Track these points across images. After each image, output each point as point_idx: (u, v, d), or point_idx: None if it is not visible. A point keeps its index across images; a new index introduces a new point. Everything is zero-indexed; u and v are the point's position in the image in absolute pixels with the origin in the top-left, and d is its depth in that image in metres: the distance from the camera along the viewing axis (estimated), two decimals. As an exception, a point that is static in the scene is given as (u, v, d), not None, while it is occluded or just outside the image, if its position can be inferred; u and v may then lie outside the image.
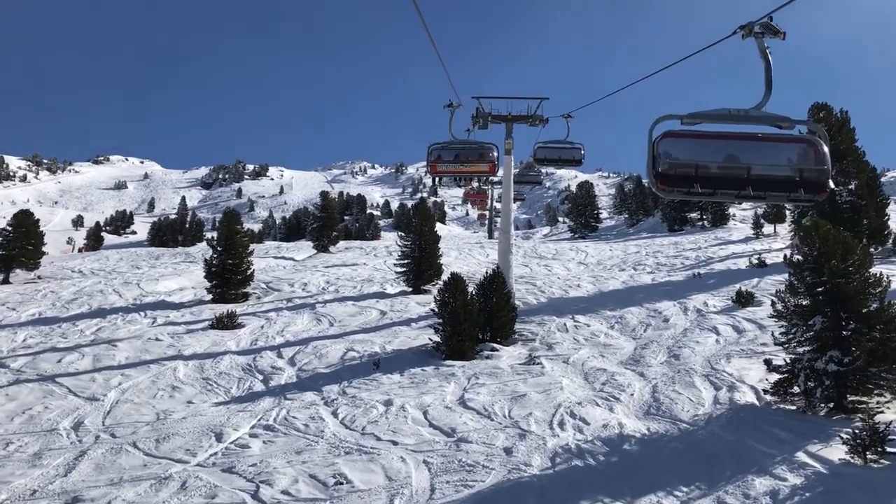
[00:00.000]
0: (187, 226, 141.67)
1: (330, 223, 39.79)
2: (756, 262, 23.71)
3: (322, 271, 28.80)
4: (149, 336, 17.47)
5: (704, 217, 45.57)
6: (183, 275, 28.62)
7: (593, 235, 52.72)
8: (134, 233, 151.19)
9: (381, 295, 22.55)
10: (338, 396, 12.67)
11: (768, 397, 11.51)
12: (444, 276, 24.65)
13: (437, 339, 15.31)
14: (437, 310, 15.49)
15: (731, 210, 46.06)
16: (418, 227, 22.72)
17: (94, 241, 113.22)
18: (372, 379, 13.71)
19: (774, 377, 11.55)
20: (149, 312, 21.49)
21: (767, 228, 37.86)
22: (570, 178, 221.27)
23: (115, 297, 24.29)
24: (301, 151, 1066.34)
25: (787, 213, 39.34)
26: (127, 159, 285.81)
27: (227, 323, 17.99)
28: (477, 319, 15.59)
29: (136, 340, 17.07)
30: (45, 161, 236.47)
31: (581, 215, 54.72)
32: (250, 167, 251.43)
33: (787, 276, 11.31)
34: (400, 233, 23.46)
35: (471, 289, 16.22)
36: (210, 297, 23.26)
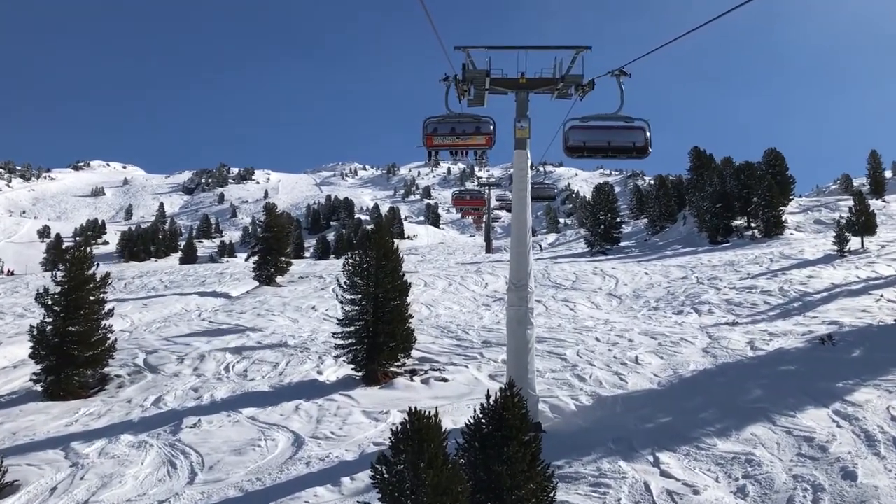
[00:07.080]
0: (161, 236, 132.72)
1: (277, 246, 30.42)
2: (912, 313, 14.98)
3: (238, 335, 19.60)
4: None
5: (754, 225, 36.77)
6: (43, 333, 19.68)
7: (614, 249, 43.44)
8: (106, 243, 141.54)
9: (311, 388, 13.49)
10: None
11: None
12: (422, 341, 15.80)
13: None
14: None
15: (784, 216, 37.34)
16: (373, 271, 13.81)
17: (56, 256, 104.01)
18: None
19: None
20: (-85, 426, 12.70)
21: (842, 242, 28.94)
22: (569, 176, 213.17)
23: None
24: (290, 153, 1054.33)
25: (880, 222, 30.73)
26: (108, 164, 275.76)
27: (-23, 488, 9.11)
28: (468, 516, 6.86)
29: None
30: (19, 167, 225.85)
31: (599, 224, 44.71)
32: (235, 170, 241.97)
33: None
34: (343, 279, 14.47)
35: (449, 421, 7.49)
36: (42, 386, 14.49)
